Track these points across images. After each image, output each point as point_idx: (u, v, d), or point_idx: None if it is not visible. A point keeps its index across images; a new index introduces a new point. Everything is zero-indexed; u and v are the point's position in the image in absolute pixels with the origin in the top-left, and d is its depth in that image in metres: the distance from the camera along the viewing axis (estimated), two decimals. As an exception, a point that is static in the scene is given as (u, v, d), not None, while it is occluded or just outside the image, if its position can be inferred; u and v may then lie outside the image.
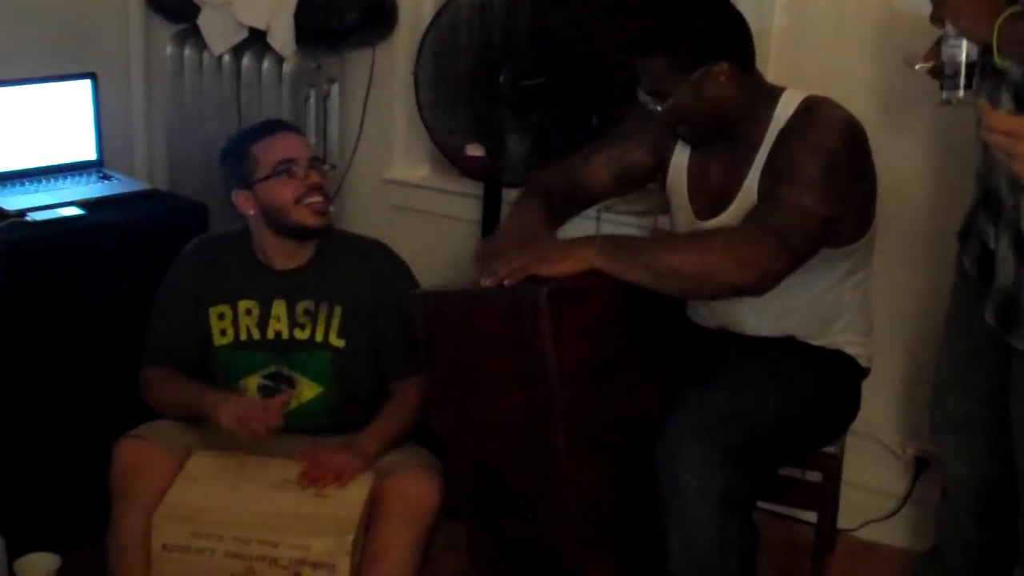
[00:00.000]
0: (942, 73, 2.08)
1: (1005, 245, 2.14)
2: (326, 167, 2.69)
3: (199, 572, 2.35)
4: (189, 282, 2.68)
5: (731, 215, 2.37)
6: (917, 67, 2.21)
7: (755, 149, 2.35)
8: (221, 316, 2.66)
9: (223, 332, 2.65)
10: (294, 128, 2.76)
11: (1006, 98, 2.01)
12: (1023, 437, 2.20)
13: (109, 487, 2.47)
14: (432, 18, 3.07)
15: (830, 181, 2.22)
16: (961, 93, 1.92)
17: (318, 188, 2.60)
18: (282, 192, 2.58)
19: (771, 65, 2.81)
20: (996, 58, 2.00)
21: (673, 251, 2.20)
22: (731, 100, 2.34)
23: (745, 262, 2.15)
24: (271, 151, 2.61)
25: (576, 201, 2.65)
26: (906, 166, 2.82)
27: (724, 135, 2.41)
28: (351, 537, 2.33)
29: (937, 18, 2.05)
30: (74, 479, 2.86)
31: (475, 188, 3.27)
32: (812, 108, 2.32)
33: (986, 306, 2.20)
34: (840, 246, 2.35)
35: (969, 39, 1.99)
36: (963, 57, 2.01)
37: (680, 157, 2.51)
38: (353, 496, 2.43)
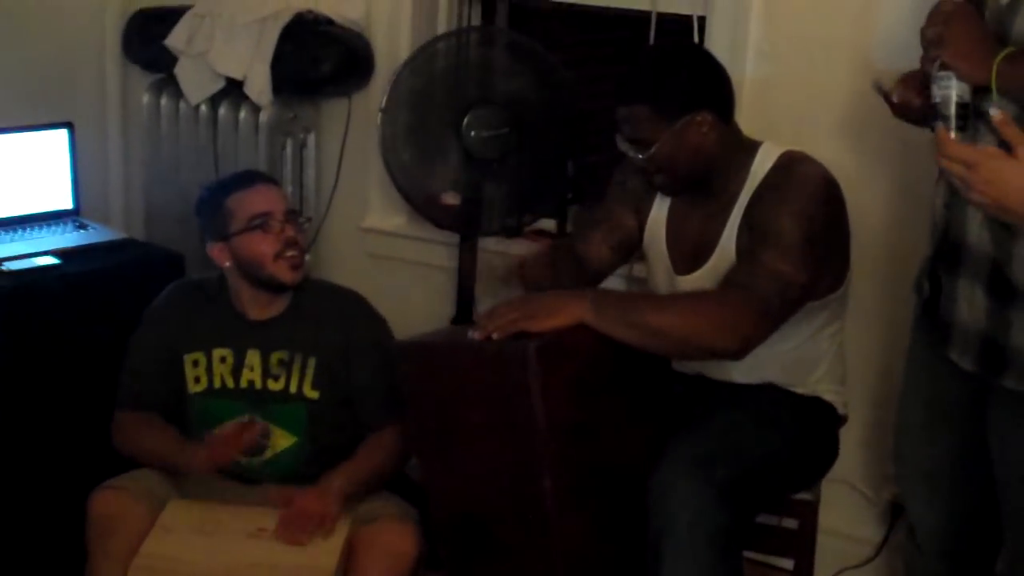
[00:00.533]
0: (932, 112, 2.05)
1: (971, 289, 2.15)
2: (302, 220, 2.68)
3: (175, 624, 2.32)
4: (164, 328, 2.68)
5: (709, 271, 2.40)
6: (877, 85, 2.24)
7: (731, 203, 2.38)
8: (196, 363, 2.65)
9: (197, 379, 2.65)
10: (270, 179, 2.76)
11: (988, 140, 2.03)
12: (1009, 478, 2.20)
13: (85, 539, 2.46)
14: (400, 67, 3.11)
15: (810, 247, 2.25)
16: (953, 135, 1.94)
17: (294, 243, 2.60)
18: (258, 247, 2.58)
19: (744, 113, 2.84)
20: (994, 98, 1.99)
21: (660, 312, 2.22)
22: (711, 150, 2.37)
23: (728, 329, 2.19)
24: (246, 205, 2.60)
25: (583, 278, 2.67)
26: (874, 212, 2.85)
27: (701, 186, 2.43)
28: (328, 585, 2.31)
29: (930, 59, 2.04)
30: (48, 531, 2.84)
31: (452, 236, 3.28)
32: (790, 165, 2.36)
33: (959, 357, 2.22)
34: (819, 298, 2.37)
35: (967, 80, 1.98)
36: (954, 98, 1.99)
37: (658, 211, 2.54)
38: (329, 544, 2.41)
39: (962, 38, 2.01)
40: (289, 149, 3.47)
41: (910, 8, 2.68)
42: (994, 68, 1.97)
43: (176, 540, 2.42)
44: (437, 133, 3.10)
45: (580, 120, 3.09)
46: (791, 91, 2.94)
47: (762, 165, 2.38)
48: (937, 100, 2.01)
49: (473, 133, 3.03)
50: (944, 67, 1.98)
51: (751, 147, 2.42)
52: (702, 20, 3.06)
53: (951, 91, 1.99)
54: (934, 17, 2.07)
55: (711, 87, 2.39)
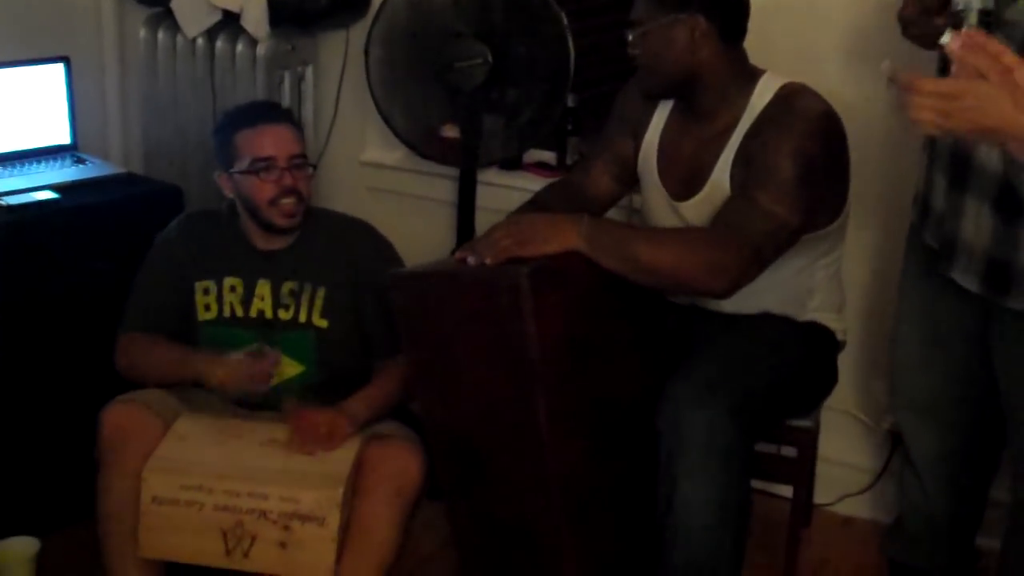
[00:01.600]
0: (954, 20, 2.03)
1: (978, 209, 2.16)
2: (307, 166, 2.67)
3: (188, 525, 2.34)
4: (175, 254, 2.68)
5: (704, 198, 2.40)
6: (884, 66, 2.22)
7: (728, 132, 2.37)
8: (206, 291, 2.66)
9: (207, 307, 2.65)
10: (284, 118, 2.69)
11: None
12: (1014, 387, 2.22)
13: (96, 454, 2.46)
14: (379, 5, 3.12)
15: (806, 187, 2.25)
16: None
17: (292, 191, 2.59)
18: (255, 190, 2.57)
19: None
20: (1019, 4, 1.98)
21: (651, 247, 2.22)
22: (700, 60, 2.36)
23: (718, 270, 2.20)
24: (252, 145, 2.58)
25: (589, 212, 2.65)
26: (873, 138, 2.84)
27: (691, 103, 2.43)
28: (341, 490, 2.32)
29: None
30: (54, 460, 2.87)
31: (451, 169, 3.27)
32: (790, 98, 2.34)
33: (962, 276, 2.22)
34: (816, 230, 2.37)
35: None
36: (978, 3, 1.98)
37: (652, 135, 2.54)
38: (342, 454, 2.43)
39: None
40: (287, 82, 3.45)
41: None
42: None
43: (190, 445, 2.43)
44: (421, 67, 3.09)
45: (576, 53, 3.06)
46: (791, 17, 2.92)
47: (761, 96, 2.36)
48: (959, 7, 2.00)
49: (453, 64, 3.02)
50: None
51: (753, 75, 2.40)
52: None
53: (973, 6, 1.98)
54: None
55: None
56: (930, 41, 2.24)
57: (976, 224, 2.17)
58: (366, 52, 3.17)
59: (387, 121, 3.20)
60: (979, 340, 2.30)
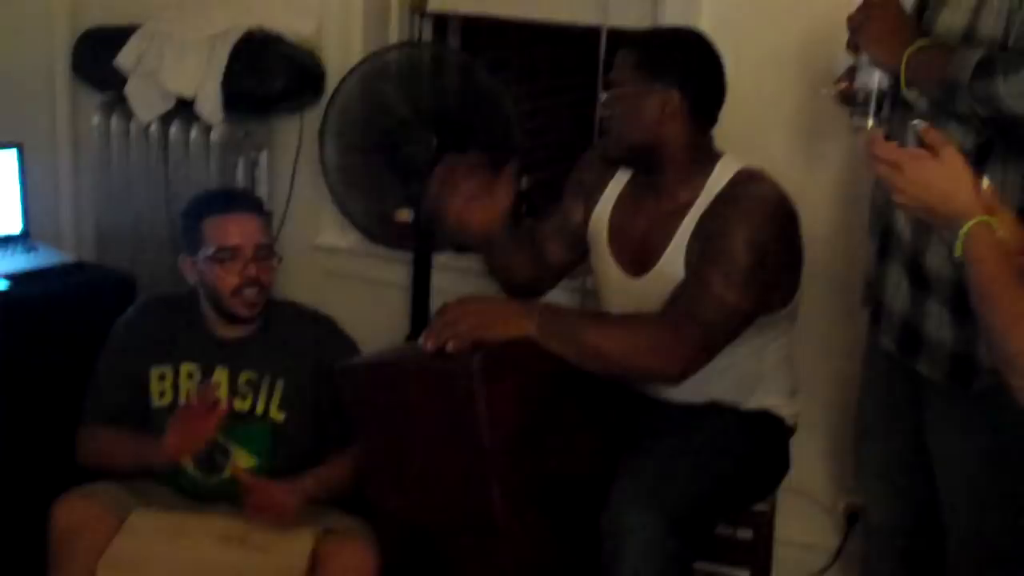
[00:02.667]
0: (852, 100, 2.14)
1: (898, 275, 2.21)
2: (273, 258, 2.67)
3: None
4: (133, 340, 2.67)
5: (657, 276, 2.40)
6: (823, 91, 2.27)
7: (684, 211, 2.39)
8: (162, 377, 2.64)
9: (162, 394, 2.63)
10: (253, 207, 2.71)
11: (912, 132, 2.06)
12: (946, 470, 2.25)
13: (46, 551, 2.42)
14: (336, 85, 3.15)
15: (758, 273, 2.27)
16: (870, 121, 1.96)
17: (255, 282, 2.59)
18: (218, 279, 2.58)
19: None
20: (903, 88, 2.07)
21: (603, 334, 2.23)
22: (668, 134, 2.38)
23: (669, 356, 2.22)
24: (218, 233, 2.58)
25: (542, 283, 2.67)
26: (825, 219, 2.87)
27: (650, 176, 2.45)
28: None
29: (852, 44, 2.13)
30: (4, 556, 2.81)
31: (406, 253, 3.28)
32: (746, 183, 2.36)
33: (885, 338, 2.27)
34: (767, 314, 2.38)
35: (881, 68, 2.06)
36: (875, 85, 2.07)
37: (604, 205, 2.55)
38: (296, 549, 2.41)
39: (881, 25, 2.10)
40: (241, 167, 3.45)
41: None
42: (904, 57, 2.04)
43: (143, 542, 2.41)
44: (374, 152, 3.11)
45: (532, 131, 3.09)
46: (742, 101, 2.95)
47: (719, 179, 2.38)
48: (858, 87, 2.08)
49: (401, 148, 3.04)
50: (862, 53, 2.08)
51: (713, 158, 2.43)
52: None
53: (869, 78, 2.07)
54: (861, 6, 2.14)
55: (697, 79, 2.39)
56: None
57: (896, 289, 2.23)
58: (320, 137, 3.19)
59: (341, 206, 3.21)
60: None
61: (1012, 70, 1.90)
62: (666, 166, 2.41)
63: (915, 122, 1.72)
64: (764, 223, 2.29)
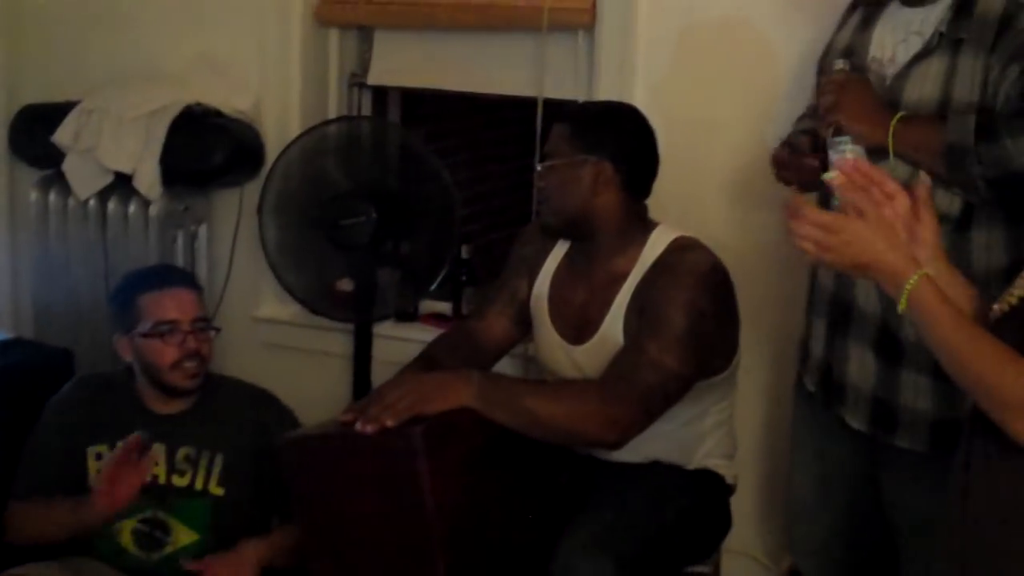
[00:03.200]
0: (814, 180, 2.15)
1: (861, 351, 2.23)
2: (212, 332, 2.68)
3: None
4: (67, 420, 2.65)
5: (597, 345, 2.43)
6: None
7: (621, 280, 2.42)
8: (99, 456, 2.62)
9: (99, 472, 2.60)
10: (186, 281, 2.73)
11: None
12: (920, 537, 2.24)
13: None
14: (276, 158, 3.18)
15: (696, 339, 2.30)
16: None
17: (195, 354, 2.59)
18: (157, 354, 2.58)
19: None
20: (891, 159, 2.10)
21: (542, 401, 2.25)
22: (602, 205, 2.42)
23: (608, 422, 2.24)
24: (155, 308, 2.59)
25: (485, 359, 2.67)
26: (761, 286, 2.89)
27: (586, 247, 2.48)
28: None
29: (830, 123, 2.14)
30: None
31: (347, 323, 3.28)
32: (682, 252, 2.40)
33: (852, 417, 2.28)
34: (706, 378, 2.41)
35: (863, 142, 2.06)
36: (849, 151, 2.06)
37: (544, 276, 2.58)
38: None
39: (858, 103, 2.14)
40: (180, 241, 3.45)
41: (788, 86, 2.80)
42: (891, 129, 2.08)
43: None
44: (313, 225, 3.13)
45: (472, 198, 3.12)
46: (677, 171, 3.00)
47: (654, 247, 2.42)
48: (835, 146, 2.07)
49: (339, 223, 3.06)
50: (839, 132, 2.07)
51: (648, 227, 2.47)
52: (588, 105, 3.13)
53: (847, 154, 2.07)
54: (828, 86, 2.20)
55: (629, 151, 2.44)
56: (803, 182, 2.34)
57: (861, 366, 2.25)
58: (260, 210, 3.20)
59: (281, 278, 3.21)
60: (869, 481, 2.34)
61: (1017, 131, 1.96)
62: (602, 236, 2.45)
63: (827, 176, 1.73)
64: (700, 290, 2.33)
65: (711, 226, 2.82)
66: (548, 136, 2.51)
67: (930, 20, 2.16)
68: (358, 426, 2.18)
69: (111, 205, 3.44)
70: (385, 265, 3.15)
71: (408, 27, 3.38)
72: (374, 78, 3.50)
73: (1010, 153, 1.98)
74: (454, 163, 4.41)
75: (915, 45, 2.17)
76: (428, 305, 3.44)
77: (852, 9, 2.40)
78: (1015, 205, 2.10)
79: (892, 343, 2.20)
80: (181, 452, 2.61)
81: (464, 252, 3.30)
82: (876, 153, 2.07)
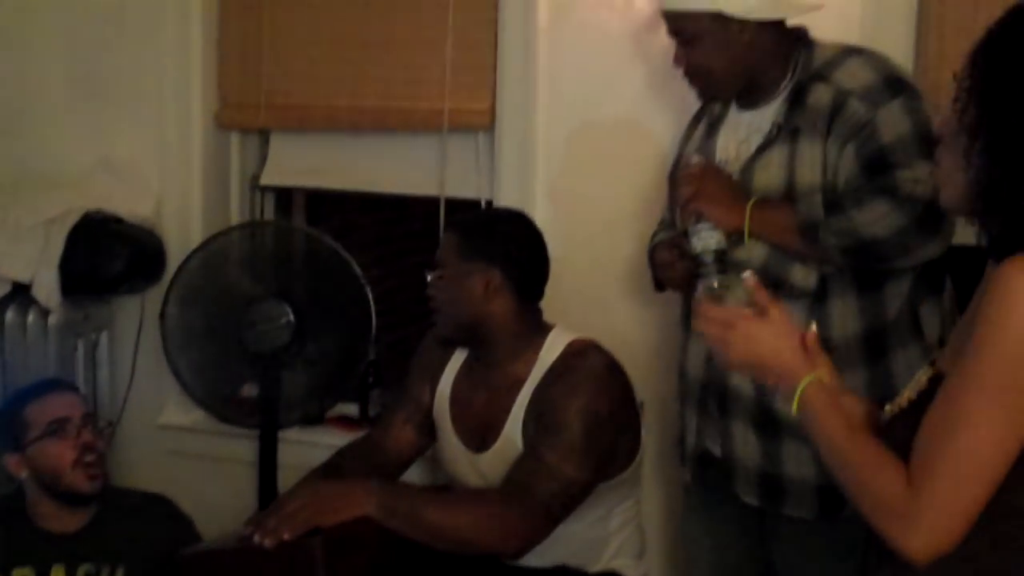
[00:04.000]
0: (697, 264, 2.23)
1: (743, 429, 2.32)
2: (101, 425, 2.66)
3: None
4: None
5: (499, 452, 2.43)
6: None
7: (518, 386, 2.43)
8: None
9: None
10: (68, 386, 2.73)
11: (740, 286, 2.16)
12: None
13: None
14: (178, 265, 3.17)
15: (594, 445, 2.30)
16: (716, 282, 2.04)
17: (91, 448, 2.55)
18: (55, 453, 2.54)
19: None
20: (746, 241, 2.23)
21: (442, 512, 2.25)
22: (494, 312, 2.43)
23: (508, 532, 2.24)
24: (44, 411, 2.57)
25: (391, 469, 2.65)
26: (662, 381, 2.90)
27: (477, 348, 2.50)
28: None
29: (690, 212, 2.25)
30: None
31: (252, 429, 3.24)
32: (577, 355, 2.41)
33: (744, 493, 2.35)
34: (608, 480, 2.41)
35: (723, 227, 2.20)
36: (713, 246, 2.19)
37: (445, 384, 2.58)
38: None
39: (715, 189, 2.26)
40: (81, 350, 3.40)
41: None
42: (747, 213, 2.22)
43: None
44: (218, 330, 3.11)
45: (378, 297, 3.11)
46: (578, 269, 3.03)
47: (550, 351, 2.43)
48: (697, 251, 2.20)
49: (254, 327, 3.05)
50: (699, 219, 2.21)
51: (543, 331, 2.48)
52: (491, 204, 3.16)
53: (710, 239, 2.19)
54: (687, 177, 2.30)
55: (518, 256, 2.46)
56: (676, 284, 2.44)
57: (744, 444, 2.32)
58: (162, 316, 3.17)
59: (184, 384, 3.18)
60: (762, 556, 2.40)
61: (860, 203, 2.14)
62: (496, 343, 2.46)
63: (745, 274, 1.77)
64: (597, 394, 2.33)
65: (614, 323, 2.85)
66: (441, 245, 2.52)
67: (767, 117, 2.31)
68: (256, 539, 2.15)
69: (9, 315, 3.37)
70: (292, 369, 3.13)
71: (308, 129, 3.40)
72: (268, 179, 3.51)
73: (856, 223, 2.15)
74: (361, 260, 4.41)
75: (756, 141, 2.32)
76: (335, 407, 3.41)
77: (696, 122, 2.54)
78: (866, 274, 2.25)
79: (770, 418, 2.28)
80: (81, 570, 2.55)
81: (371, 353, 3.28)
82: (735, 236, 2.22)
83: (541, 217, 3.05)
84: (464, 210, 2.77)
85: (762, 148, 2.30)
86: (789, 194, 2.24)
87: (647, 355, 2.87)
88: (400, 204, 4.42)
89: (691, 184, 2.28)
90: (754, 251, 2.26)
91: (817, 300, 2.25)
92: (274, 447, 3.19)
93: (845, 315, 2.25)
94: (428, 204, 3.32)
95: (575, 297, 2.97)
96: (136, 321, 3.44)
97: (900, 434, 1.54)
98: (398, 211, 4.67)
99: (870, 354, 2.26)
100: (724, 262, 2.19)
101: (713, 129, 2.44)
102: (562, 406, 2.32)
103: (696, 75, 2.36)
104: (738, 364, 1.72)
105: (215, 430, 3.36)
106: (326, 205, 4.03)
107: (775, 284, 2.19)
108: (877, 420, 1.69)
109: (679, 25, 2.32)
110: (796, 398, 1.63)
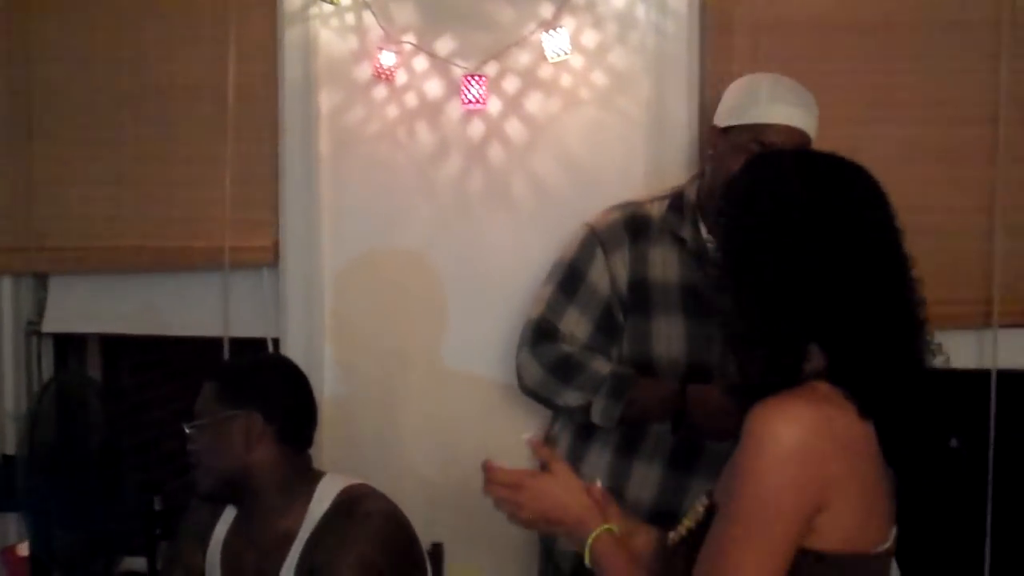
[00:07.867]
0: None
1: None
2: None
3: None
4: None
5: None
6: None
7: (289, 541, 2.28)
8: None
9: None
10: None
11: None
12: None
13: None
14: None
15: None
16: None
17: None
18: None
19: (325, 434, 2.77)
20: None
21: None
22: (253, 461, 2.29)
23: None
24: None
25: None
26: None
27: (242, 503, 2.35)
28: None
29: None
30: None
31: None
32: (350, 503, 2.27)
33: None
34: None
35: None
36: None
37: (215, 545, 2.42)
38: None
39: None
40: None
41: (479, 315, 2.82)
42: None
43: None
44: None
45: (178, 436, 2.97)
46: (371, 408, 2.95)
47: (321, 501, 2.28)
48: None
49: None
50: None
51: (312, 479, 2.34)
52: (277, 343, 3.08)
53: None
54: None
55: (280, 401, 2.33)
56: None
57: None
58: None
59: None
60: None
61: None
62: (261, 496, 2.31)
63: (525, 436, 1.80)
64: (371, 544, 2.19)
65: (409, 462, 2.75)
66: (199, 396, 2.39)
67: None
68: None
69: None
70: (65, 528, 2.95)
71: (86, 272, 3.26)
72: (50, 326, 3.35)
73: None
74: (158, 396, 4.25)
75: None
76: (123, 562, 3.22)
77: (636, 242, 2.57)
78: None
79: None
80: None
81: (157, 504, 3.11)
82: None
83: (330, 354, 2.99)
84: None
85: None
86: None
87: (445, 493, 2.79)
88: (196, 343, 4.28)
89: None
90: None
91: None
92: (56, 611, 2.99)
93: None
94: (208, 348, 3.20)
95: (365, 437, 2.88)
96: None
97: (681, 562, 1.63)
98: (197, 348, 4.51)
99: None
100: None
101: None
102: (337, 560, 2.18)
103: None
104: (530, 522, 1.78)
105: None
106: (124, 342, 3.87)
107: None
108: (665, 545, 1.76)
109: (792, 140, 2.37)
110: (588, 548, 1.71)
